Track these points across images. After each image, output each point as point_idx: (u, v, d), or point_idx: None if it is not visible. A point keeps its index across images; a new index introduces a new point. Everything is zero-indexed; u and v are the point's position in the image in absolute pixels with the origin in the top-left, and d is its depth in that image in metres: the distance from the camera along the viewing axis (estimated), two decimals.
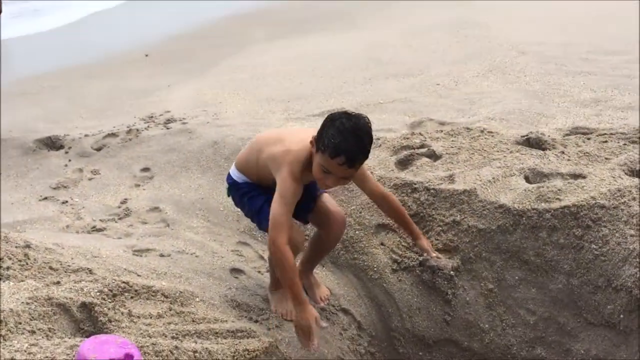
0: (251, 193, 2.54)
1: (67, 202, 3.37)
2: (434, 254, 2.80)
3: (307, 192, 2.51)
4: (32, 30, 8.70)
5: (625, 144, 3.19)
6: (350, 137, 2.20)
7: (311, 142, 2.30)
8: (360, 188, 2.64)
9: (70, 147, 3.95)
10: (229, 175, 2.57)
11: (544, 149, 3.25)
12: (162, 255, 2.84)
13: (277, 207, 2.26)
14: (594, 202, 2.72)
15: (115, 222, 3.20)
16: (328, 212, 2.59)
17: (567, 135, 3.51)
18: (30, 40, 8.23)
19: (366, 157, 2.27)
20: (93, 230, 3.09)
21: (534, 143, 3.31)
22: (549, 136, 3.38)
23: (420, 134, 3.62)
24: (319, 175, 2.29)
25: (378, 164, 3.34)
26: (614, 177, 2.85)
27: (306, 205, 2.55)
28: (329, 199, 2.64)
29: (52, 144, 4.04)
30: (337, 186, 2.38)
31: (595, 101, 4.07)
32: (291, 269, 2.26)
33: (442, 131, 3.64)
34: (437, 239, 3.00)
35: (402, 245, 3.06)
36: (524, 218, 2.81)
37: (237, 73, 5.54)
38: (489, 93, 4.44)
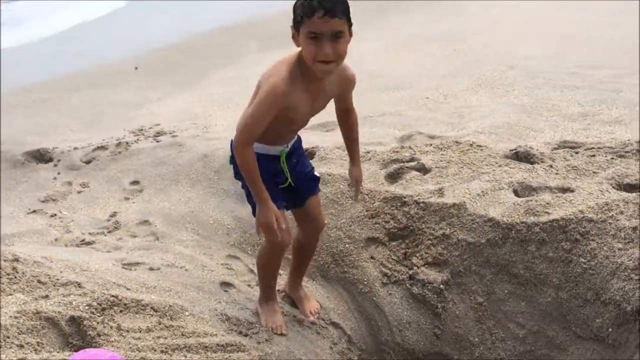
0: None
1: (55, 215, 3.36)
2: (360, 191, 2.76)
3: (303, 183, 2.58)
4: (16, 40, 8.68)
5: (612, 158, 3.22)
6: None
7: (293, 38, 2.26)
8: (341, 100, 2.57)
9: (59, 160, 3.94)
10: (231, 142, 2.44)
11: (532, 163, 3.27)
12: (151, 269, 2.83)
13: (249, 116, 2.29)
14: (582, 215, 2.74)
15: (105, 235, 3.19)
16: (313, 213, 2.66)
17: (555, 149, 3.55)
18: (17, 50, 8.22)
19: (341, 2, 2.17)
20: (82, 244, 3.08)
21: (522, 157, 3.34)
22: (537, 150, 3.41)
23: (410, 147, 3.64)
24: (311, 49, 2.18)
25: (368, 178, 3.35)
26: (601, 191, 2.88)
27: (298, 194, 2.60)
28: (318, 204, 2.69)
29: (41, 156, 4.03)
30: (338, 54, 2.20)
31: (583, 115, 4.11)
32: (252, 170, 2.32)
33: (431, 145, 3.67)
34: (427, 253, 3.01)
35: (392, 259, 3.06)
36: (513, 232, 2.83)
37: (227, 86, 5.55)
38: (478, 107, 4.47)
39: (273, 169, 2.49)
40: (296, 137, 2.59)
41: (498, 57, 5.64)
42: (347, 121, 2.64)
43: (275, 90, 2.26)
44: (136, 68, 6.61)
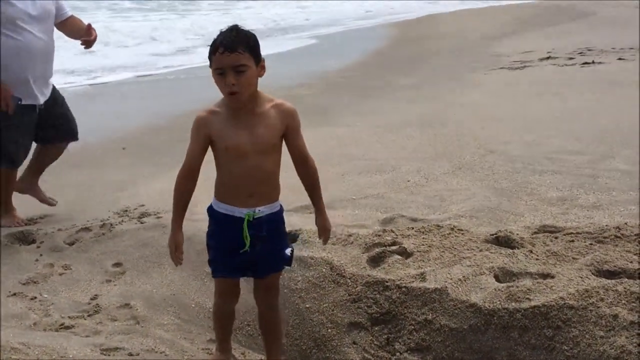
0: None
1: (36, 298, 3.32)
2: (325, 241, 2.77)
3: (268, 259, 2.63)
4: None
5: (591, 244, 3.28)
6: (221, 32, 2.46)
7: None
8: (289, 144, 2.62)
9: (42, 242, 3.93)
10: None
11: (513, 248, 3.32)
12: (130, 354, 2.79)
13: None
14: (563, 302, 2.77)
15: (84, 319, 3.15)
16: (269, 286, 2.74)
17: (535, 233, 3.61)
18: None
19: (241, 40, 2.41)
20: (61, 328, 3.04)
21: (503, 242, 3.39)
22: (517, 235, 3.47)
23: (392, 230, 3.68)
24: (219, 83, 2.46)
25: (350, 261, 3.38)
26: (581, 277, 2.92)
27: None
28: (277, 280, 2.74)
29: (25, 238, 4.01)
30: (241, 85, 2.43)
31: (561, 200, 4.19)
32: (176, 198, 2.71)
33: (413, 228, 3.72)
34: (409, 338, 3.00)
35: (375, 345, 3.05)
36: (495, 318, 2.84)
37: (211, 166, 5.60)
38: (459, 190, 4.55)
39: (235, 235, 2.55)
40: (268, 210, 2.58)
41: (477, 141, 5.78)
42: (305, 170, 2.66)
43: (197, 119, 2.58)
44: (124, 148, 6.67)
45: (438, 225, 3.66)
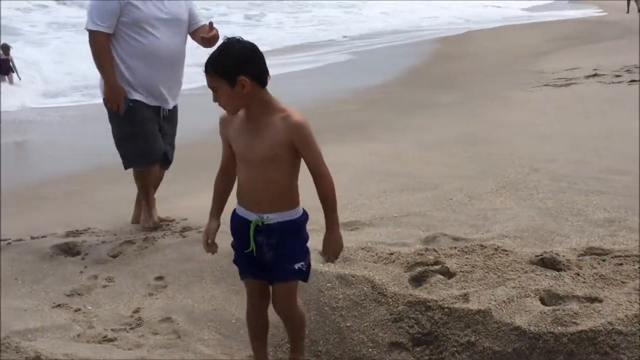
0: None
1: (80, 309, 3.37)
2: (329, 260, 2.72)
3: (276, 266, 2.63)
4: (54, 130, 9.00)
5: None
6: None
7: None
8: (302, 157, 2.59)
9: (87, 254, 3.99)
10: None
11: (559, 270, 3.24)
12: None
13: None
14: (611, 327, 2.69)
15: (127, 332, 3.18)
16: (276, 297, 2.73)
17: (581, 255, 3.52)
18: (47, 141, 8.49)
19: (213, 61, 2.47)
20: (104, 340, 3.07)
21: (548, 263, 3.32)
22: (563, 256, 3.39)
23: (434, 249, 3.64)
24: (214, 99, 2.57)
25: (391, 280, 3.34)
26: (630, 302, 2.83)
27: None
28: (284, 292, 2.71)
29: (69, 250, 4.08)
30: (219, 103, 2.55)
31: (609, 221, 4.09)
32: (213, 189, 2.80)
33: (456, 247, 3.66)
34: None
35: None
36: (540, 342, 2.77)
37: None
38: (502, 209, 4.48)
39: (246, 237, 2.63)
40: (280, 218, 2.58)
41: (521, 159, 5.69)
42: (317, 184, 2.61)
43: (219, 119, 2.67)
44: None
45: (481, 245, 3.60)
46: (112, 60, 4.09)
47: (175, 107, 4.48)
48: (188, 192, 5.50)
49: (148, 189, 4.50)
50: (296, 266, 2.64)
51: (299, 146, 2.53)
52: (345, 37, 21.38)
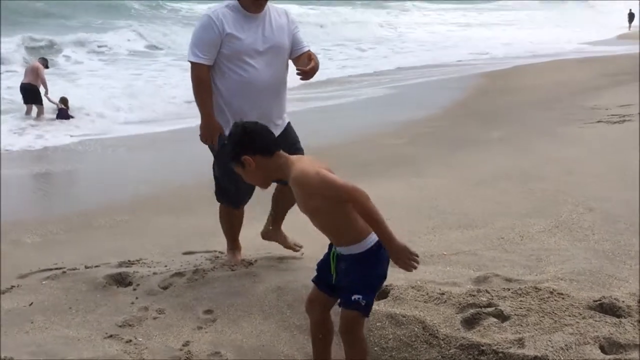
0: None
1: (131, 341, 3.40)
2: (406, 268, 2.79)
3: (340, 290, 2.87)
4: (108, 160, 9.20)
5: None
6: None
7: None
8: (324, 200, 2.78)
9: (138, 285, 4.04)
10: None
11: (618, 316, 3.14)
12: None
13: None
14: None
15: None
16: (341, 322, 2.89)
17: None
18: (104, 170, 8.68)
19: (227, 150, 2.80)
20: None
21: (607, 309, 3.21)
22: (623, 302, 3.28)
23: (486, 291, 3.56)
24: None
25: (443, 321, 3.28)
26: None
27: None
28: (345, 320, 2.86)
29: (122, 280, 4.14)
30: (250, 182, 3.00)
31: None
32: None
33: (509, 289, 3.58)
34: None
35: None
36: None
37: (302, 215, 5.65)
38: (557, 250, 4.37)
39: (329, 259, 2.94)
40: (344, 251, 2.83)
41: (574, 198, 5.57)
42: (355, 209, 2.81)
43: None
44: None
45: (536, 288, 3.51)
46: (209, 94, 3.99)
47: (284, 130, 4.23)
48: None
49: (231, 230, 4.43)
50: (353, 297, 2.76)
51: (312, 198, 2.75)
52: (377, 71, 21.19)
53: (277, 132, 4.12)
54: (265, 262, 4.37)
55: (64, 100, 13.89)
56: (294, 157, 2.84)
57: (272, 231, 4.50)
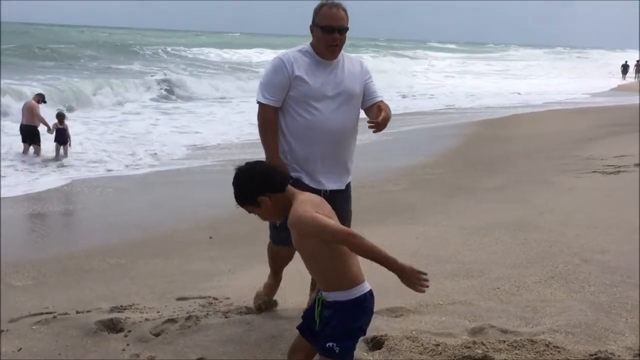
0: None
1: None
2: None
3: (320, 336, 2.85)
4: (103, 201, 9.18)
5: None
6: None
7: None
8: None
9: (130, 331, 3.99)
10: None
11: None
12: None
13: None
14: None
15: None
16: None
17: (637, 355, 3.37)
18: (98, 212, 8.64)
19: (237, 199, 2.88)
20: None
21: None
22: (618, 356, 3.27)
23: (482, 343, 3.54)
24: None
25: None
26: None
27: None
28: None
29: (113, 326, 4.09)
30: (267, 220, 3.05)
31: None
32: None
33: (504, 341, 3.56)
34: None
35: None
36: None
37: (299, 261, 5.62)
38: (553, 301, 4.35)
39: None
40: (329, 297, 2.83)
41: (570, 249, 5.56)
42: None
43: None
44: (210, 237, 6.81)
45: (531, 340, 3.48)
46: (276, 135, 3.92)
47: (344, 190, 4.08)
48: (232, 270, 5.51)
49: (273, 268, 4.37)
50: (328, 344, 2.75)
51: (306, 239, 2.78)
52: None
53: (338, 185, 4.01)
54: None
55: (60, 116, 13.64)
56: (297, 195, 2.84)
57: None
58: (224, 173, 11.18)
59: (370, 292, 2.81)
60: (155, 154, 13.34)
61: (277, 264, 4.35)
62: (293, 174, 3.87)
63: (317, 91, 3.84)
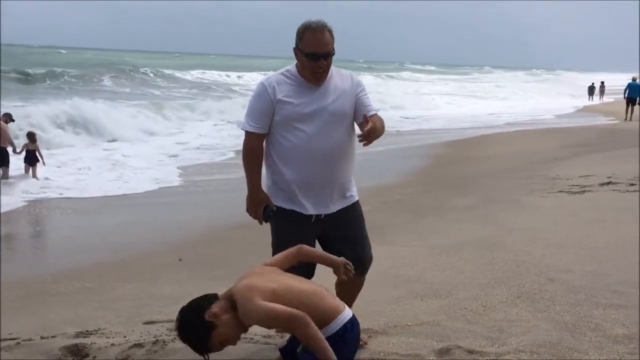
0: None
1: None
2: None
3: None
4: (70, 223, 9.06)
5: None
6: None
7: None
8: None
9: (95, 357, 3.93)
10: None
11: None
12: None
13: None
14: None
15: None
16: None
17: None
18: (65, 234, 8.54)
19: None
20: None
21: None
22: None
23: None
24: None
25: None
26: None
27: None
28: None
29: (78, 351, 4.02)
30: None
31: (628, 338, 3.99)
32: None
33: None
34: None
35: None
36: None
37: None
38: (518, 321, 4.40)
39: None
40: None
41: (537, 268, 5.64)
42: None
43: None
44: (180, 260, 6.77)
45: None
46: (258, 164, 3.78)
47: (346, 210, 3.91)
48: (200, 292, 5.46)
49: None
50: None
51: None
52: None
53: (327, 209, 3.82)
54: None
55: (30, 136, 13.39)
56: (231, 290, 3.01)
57: None
58: (193, 194, 11.13)
59: (351, 321, 2.80)
60: None
61: None
62: (278, 204, 3.79)
63: (301, 112, 3.66)
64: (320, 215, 3.78)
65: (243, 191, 3.83)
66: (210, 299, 2.88)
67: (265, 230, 3.95)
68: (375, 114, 3.77)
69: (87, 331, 4.42)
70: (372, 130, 3.48)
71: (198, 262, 6.69)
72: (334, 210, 3.82)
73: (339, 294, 3.98)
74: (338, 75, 3.82)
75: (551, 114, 31.13)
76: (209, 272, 6.19)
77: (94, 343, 4.13)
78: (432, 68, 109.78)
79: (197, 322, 2.79)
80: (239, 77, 54.86)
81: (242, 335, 4.25)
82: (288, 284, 3.04)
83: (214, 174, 13.50)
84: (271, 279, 3.00)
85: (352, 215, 3.93)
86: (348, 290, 4.05)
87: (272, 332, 4.36)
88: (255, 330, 4.40)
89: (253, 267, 3.28)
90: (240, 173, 3.89)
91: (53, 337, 4.30)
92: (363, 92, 3.84)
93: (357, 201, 3.98)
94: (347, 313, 2.74)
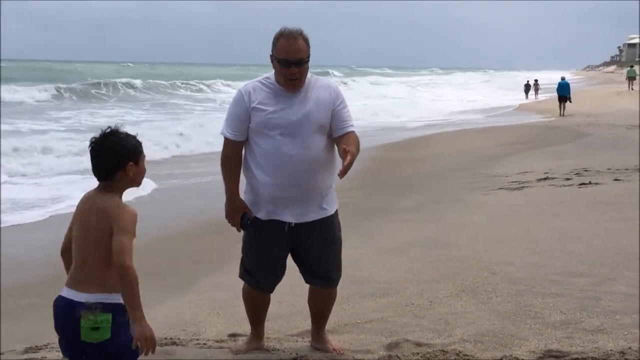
0: None
1: None
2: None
3: None
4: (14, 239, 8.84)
5: None
6: None
7: None
8: None
9: None
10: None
11: None
12: None
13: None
14: None
15: None
16: None
17: (540, 358, 3.64)
18: (15, 253, 8.34)
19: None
20: None
21: None
22: None
23: (397, 356, 3.69)
24: None
25: None
26: None
27: None
28: None
29: None
30: None
31: (565, 323, 4.21)
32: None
33: (418, 354, 3.73)
34: None
35: None
36: None
37: (217, 291, 5.65)
38: (463, 313, 4.58)
39: None
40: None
41: (479, 263, 5.85)
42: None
43: None
44: None
45: (443, 351, 3.67)
46: (236, 171, 3.82)
47: (322, 222, 3.86)
48: (149, 304, 5.44)
49: (253, 313, 4.10)
50: None
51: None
52: None
53: (300, 218, 3.77)
54: (181, 338, 4.32)
55: None
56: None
57: (313, 334, 4.18)
58: (138, 206, 11.00)
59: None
60: None
61: (261, 311, 4.10)
62: (253, 209, 3.79)
63: (274, 119, 3.66)
64: (291, 223, 3.76)
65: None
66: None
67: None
68: (352, 133, 3.76)
69: (36, 346, 4.37)
70: (350, 163, 3.46)
71: (143, 273, 6.64)
72: (309, 220, 3.79)
73: (311, 309, 4.12)
74: (318, 85, 3.80)
75: (489, 113, 31.92)
76: (158, 283, 6.16)
77: (45, 357, 4.09)
78: (389, 71, 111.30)
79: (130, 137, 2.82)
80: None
81: (195, 340, 4.32)
82: None
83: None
84: None
85: (327, 227, 3.90)
86: (319, 304, 4.10)
87: (225, 336, 4.41)
88: (208, 335, 4.45)
89: None
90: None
91: (1, 354, 4.23)
92: (342, 105, 3.79)
93: (334, 214, 3.95)
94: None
